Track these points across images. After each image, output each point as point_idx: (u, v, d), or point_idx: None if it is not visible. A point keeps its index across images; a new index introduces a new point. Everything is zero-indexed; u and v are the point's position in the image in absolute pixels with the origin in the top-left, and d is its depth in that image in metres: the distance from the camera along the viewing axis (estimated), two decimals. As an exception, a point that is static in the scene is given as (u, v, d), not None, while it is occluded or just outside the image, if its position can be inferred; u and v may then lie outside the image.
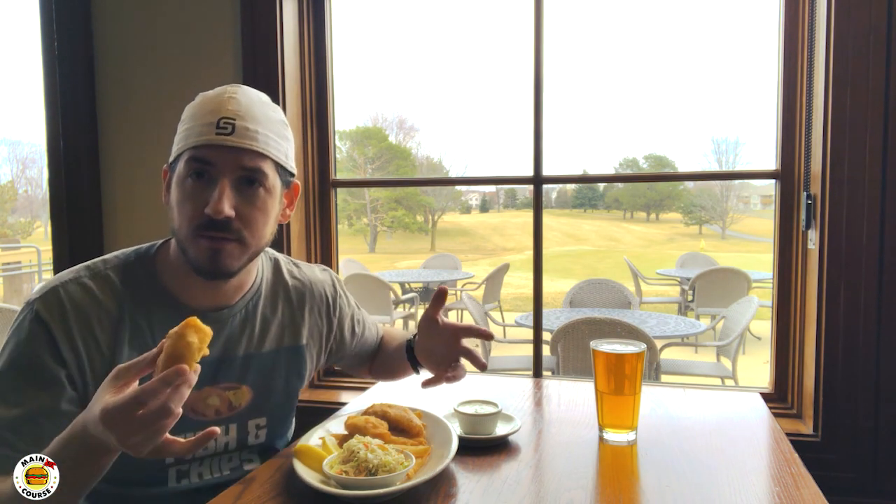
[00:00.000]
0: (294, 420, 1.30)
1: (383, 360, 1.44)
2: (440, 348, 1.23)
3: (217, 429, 0.82)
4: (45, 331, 0.96)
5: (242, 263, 1.04)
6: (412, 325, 7.24)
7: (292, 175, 1.11)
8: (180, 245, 1.02)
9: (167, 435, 0.79)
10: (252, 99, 1.03)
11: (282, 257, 1.28)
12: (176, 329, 0.82)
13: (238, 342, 1.13)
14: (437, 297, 1.21)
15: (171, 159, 1.05)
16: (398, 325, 7.16)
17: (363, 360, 1.44)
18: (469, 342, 1.24)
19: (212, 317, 1.08)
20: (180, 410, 0.78)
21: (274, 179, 1.04)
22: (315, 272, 1.30)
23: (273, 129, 1.04)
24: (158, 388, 0.76)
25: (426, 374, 1.29)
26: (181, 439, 0.82)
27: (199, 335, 0.82)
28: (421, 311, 8.40)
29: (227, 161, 0.98)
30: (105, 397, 0.79)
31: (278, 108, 1.09)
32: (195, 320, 0.83)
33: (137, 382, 0.82)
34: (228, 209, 0.97)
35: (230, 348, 1.12)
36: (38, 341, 0.95)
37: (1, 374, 0.95)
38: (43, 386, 0.95)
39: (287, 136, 1.09)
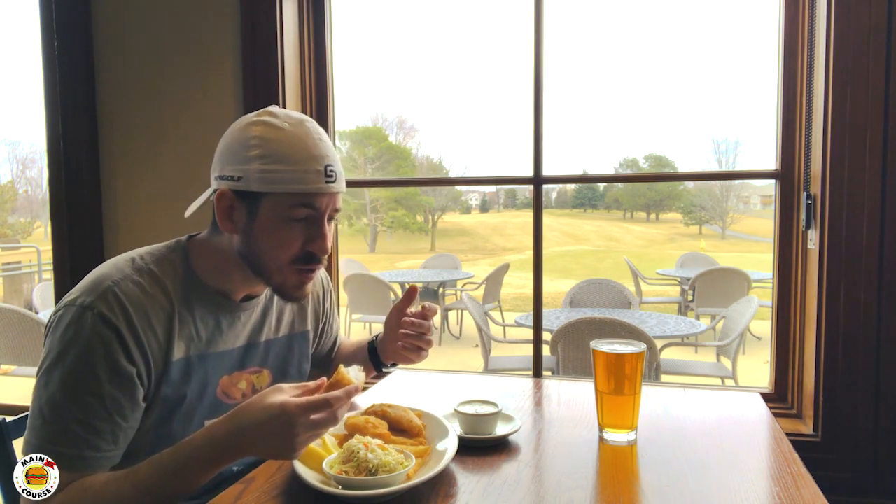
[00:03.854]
0: None
1: (338, 365, 1.47)
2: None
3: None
4: (114, 333, 0.96)
5: None
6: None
7: None
8: (263, 270, 1.07)
9: None
10: (327, 135, 1.10)
11: None
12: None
13: (261, 330, 1.21)
14: (407, 295, 1.33)
15: (248, 189, 1.02)
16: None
17: (313, 364, 1.46)
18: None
19: (242, 306, 1.16)
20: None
21: None
22: None
23: None
24: (343, 398, 0.91)
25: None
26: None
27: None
28: (421, 311, 8.37)
29: (329, 205, 1.07)
30: (279, 397, 0.90)
31: None
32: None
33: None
34: (330, 247, 1.09)
35: (254, 335, 1.20)
36: (109, 344, 0.96)
37: (75, 377, 0.95)
38: (120, 387, 0.97)
39: None
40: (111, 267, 1.04)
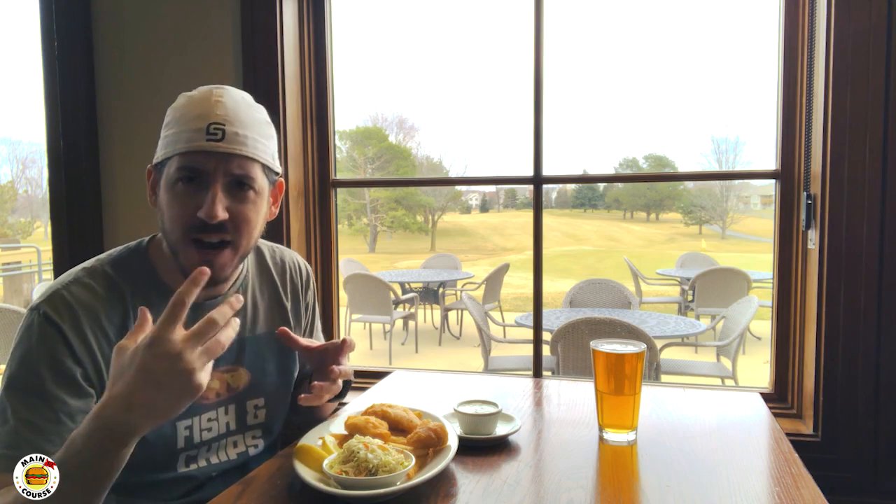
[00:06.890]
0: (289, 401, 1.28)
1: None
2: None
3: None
4: (57, 332, 0.96)
5: (234, 266, 1.08)
6: (412, 325, 7.23)
7: (277, 174, 1.13)
8: (171, 247, 1.04)
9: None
10: (238, 101, 1.04)
11: (262, 242, 1.29)
12: None
13: None
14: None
15: (156, 160, 1.05)
16: (398, 325, 7.16)
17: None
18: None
19: (207, 305, 1.10)
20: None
21: (262, 181, 1.06)
22: (293, 254, 1.35)
23: (259, 130, 1.05)
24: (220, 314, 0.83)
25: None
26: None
27: None
28: (421, 312, 8.39)
29: (218, 167, 0.99)
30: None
31: (262, 108, 1.10)
32: None
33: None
34: (222, 213, 0.99)
35: None
36: (51, 343, 0.96)
37: (19, 379, 0.95)
38: (63, 387, 0.95)
39: (272, 135, 1.11)
40: (66, 273, 1.04)
